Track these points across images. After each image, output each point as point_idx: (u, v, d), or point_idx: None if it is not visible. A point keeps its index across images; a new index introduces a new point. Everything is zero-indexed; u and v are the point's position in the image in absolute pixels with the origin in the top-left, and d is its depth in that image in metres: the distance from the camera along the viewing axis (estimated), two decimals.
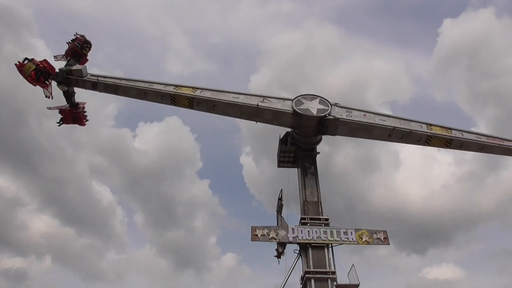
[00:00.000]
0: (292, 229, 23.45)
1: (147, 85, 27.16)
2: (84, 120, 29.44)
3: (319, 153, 27.65)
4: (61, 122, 28.85)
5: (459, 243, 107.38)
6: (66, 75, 27.34)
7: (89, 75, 27.70)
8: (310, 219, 24.20)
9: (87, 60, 28.90)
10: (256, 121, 26.73)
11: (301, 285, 22.99)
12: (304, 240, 23.06)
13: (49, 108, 28.29)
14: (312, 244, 23.01)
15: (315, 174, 26.53)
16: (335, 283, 22.12)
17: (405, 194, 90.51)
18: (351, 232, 23.58)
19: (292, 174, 28.09)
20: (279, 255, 23.27)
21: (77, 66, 27.54)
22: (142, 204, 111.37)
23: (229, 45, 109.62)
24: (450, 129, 25.95)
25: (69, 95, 28.14)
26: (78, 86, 28.05)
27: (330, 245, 23.25)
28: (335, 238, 23.26)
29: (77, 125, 29.73)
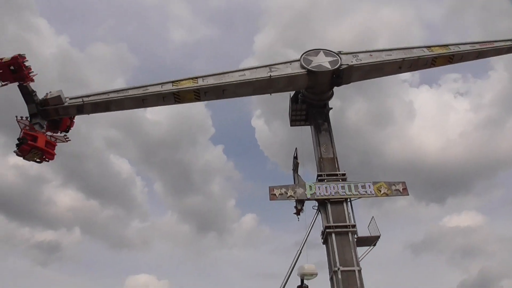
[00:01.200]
0: (310, 186, 23.53)
1: (141, 90, 23.20)
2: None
3: (331, 108, 27.29)
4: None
5: (479, 191, 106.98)
6: (42, 107, 21.79)
7: (68, 99, 22.45)
8: (327, 175, 24.20)
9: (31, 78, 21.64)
10: (270, 93, 25.71)
11: (322, 240, 23.32)
12: (322, 196, 23.16)
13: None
14: (331, 200, 23.12)
15: (328, 130, 26.30)
16: (355, 236, 22.35)
17: (421, 144, 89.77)
18: (369, 185, 23.57)
19: (306, 132, 27.94)
20: (298, 212, 23.50)
21: (51, 93, 21.98)
22: (160, 174, 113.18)
23: (230, 7, 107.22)
24: (447, 45, 26.74)
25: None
26: (58, 115, 22.47)
27: (348, 200, 23.34)
28: (353, 192, 23.30)
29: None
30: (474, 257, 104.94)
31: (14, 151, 20.34)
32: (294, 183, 24.06)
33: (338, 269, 20.89)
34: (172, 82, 23.74)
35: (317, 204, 23.66)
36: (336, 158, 25.27)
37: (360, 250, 22.37)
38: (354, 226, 22.50)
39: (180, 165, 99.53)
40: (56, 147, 22.12)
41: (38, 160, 21.08)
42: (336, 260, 21.19)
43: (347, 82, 25.82)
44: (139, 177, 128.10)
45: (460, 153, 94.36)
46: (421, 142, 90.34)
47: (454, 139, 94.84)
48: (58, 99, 21.99)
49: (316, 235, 23.97)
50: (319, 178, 24.28)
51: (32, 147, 20.38)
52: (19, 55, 20.40)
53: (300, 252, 22.19)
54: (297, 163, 24.47)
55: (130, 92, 23.19)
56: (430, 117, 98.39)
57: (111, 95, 23.05)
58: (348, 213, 22.92)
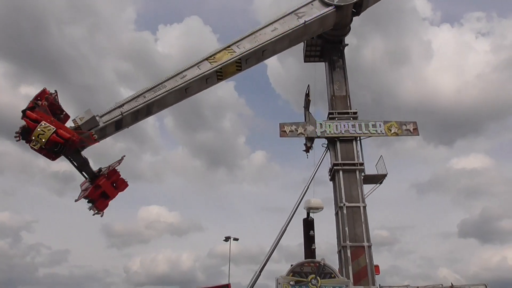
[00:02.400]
0: (320, 124, 23.57)
1: (179, 80, 20.00)
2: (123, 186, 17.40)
3: (347, 45, 26.51)
4: (96, 211, 16.79)
5: (489, 133, 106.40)
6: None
7: (99, 117, 17.96)
8: (338, 113, 24.14)
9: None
10: (304, 40, 24.50)
11: (329, 177, 23.82)
12: (332, 134, 23.28)
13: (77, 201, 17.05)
14: (340, 138, 23.27)
15: (343, 67, 25.79)
16: (363, 174, 22.76)
17: (436, 86, 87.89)
18: (379, 125, 23.53)
19: (319, 69, 27.44)
20: (307, 149, 23.80)
21: (82, 117, 16.99)
22: (170, 108, 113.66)
23: None
24: None
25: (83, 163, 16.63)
26: (95, 141, 17.67)
27: (358, 138, 23.46)
28: (364, 131, 23.34)
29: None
30: (477, 198, 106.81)
31: (94, 211, 16.22)
32: (305, 120, 24.09)
33: (344, 205, 21.55)
34: (207, 59, 20.80)
35: (326, 142, 23.88)
36: (349, 96, 25.03)
37: (367, 188, 22.96)
38: (362, 164, 22.83)
39: (191, 100, 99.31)
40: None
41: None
42: (342, 196, 21.81)
43: (366, 7, 24.69)
44: None
45: (475, 95, 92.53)
46: (436, 83, 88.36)
47: (470, 81, 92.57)
48: (93, 121, 17.33)
49: (324, 172, 24.47)
50: (330, 116, 24.25)
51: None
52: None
53: (308, 187, 22.77)
54: (309, 100, 24.33)
55: (168, 86, 19.74)
56: (448, 58, 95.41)
57: (148, 95, 19.35)
58: (357, 151, 23.16)
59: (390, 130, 23.47)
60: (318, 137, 23.49)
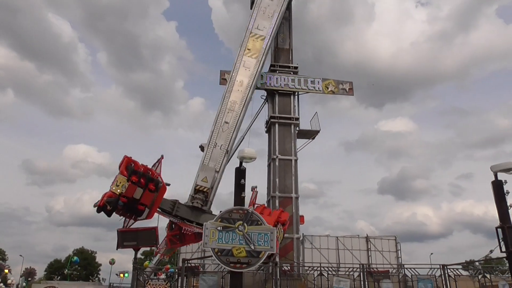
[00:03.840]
0: (261, 75, 23.47)
1: None
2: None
3: None
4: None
5: (416, 100, 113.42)
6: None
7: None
8: (280, 66, 24.14)
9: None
10: None
11: (265, 129, 24.17)
12: (272, 86, 23.36)
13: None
14: (279, 91, 23.45)
15: (289, 20, 25.47)
16: (297, 129, 23.35)
17: (374, 49, 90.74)
18: (318, 82, 23.99)
19: None
20: None
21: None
22: (105, 43, 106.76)
23: None
24: None
25: None
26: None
27: (296, 93, 23.80)
28: (302, 86, 23.68)
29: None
30: (398, 159, 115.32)
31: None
32: None
33: (277, 157, 22.15)
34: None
35: (265, 94, 23.97)
36: (292, 50, 25.01)
37: (300, 142, 23.71)
38: (297, 119, 23.36)
39: (128, 36, 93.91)
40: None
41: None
42: (276, 149, 22.35)
43: None
44: (83, 44, 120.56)
45: (408, 62, 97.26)
46: (375, 47, 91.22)
47: (405, 48, 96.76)
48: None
49: (260, 124, 24.76)
50: (271, 68, 24.18)
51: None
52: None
53: (243, 138, 23.01)
54: None
55: None
56: (388, 23, 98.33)
57: None
58: (294, 106, 23.58)
59: (327, 88, 24.04)
60: (258, 88, 23.40)
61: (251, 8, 27.35)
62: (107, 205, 12.30)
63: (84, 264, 56.84)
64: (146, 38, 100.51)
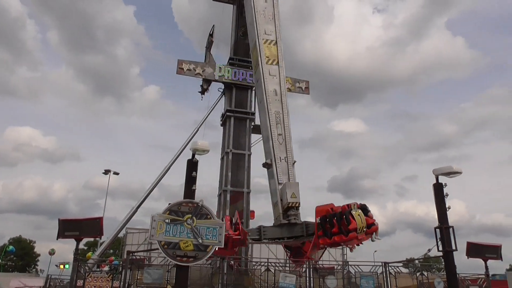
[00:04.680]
0: (220, 67, 23.26)
1: None
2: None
3: None
4: None
5: (368, 102, 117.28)
6: None
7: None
8: (239, 60, 23.99)
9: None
10: None
11: (221, 122, 23.97)
12: (229, 80, 23.19)
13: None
14: (237, 85, 23.33)
15: (251, 13, 25.32)
16: (253, 123, 23.35)
17: (331, 50, 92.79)
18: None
19: (227, 12, 26.56)
20: (203, 91, 23.46)
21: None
22: (57, 21, 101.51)
23: None
24: None
25: None
26: None
27: (254, 88, 23.74)
28: None
29: None
30: (348, 159, 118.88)
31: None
32: (205, 61, 23.50)
33: (230, 150, 22.04)
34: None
35: (223, 87, 23.75)
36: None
37: (254, 137, 23.70)
38: (253, 114, 23.35)
39: (82, 16, 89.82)
40: None
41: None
42: (230, 142, 22.23)
43: None
44: (32, 21, 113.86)
45: (363, 66, 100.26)
46: (332, 48, 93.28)
47: (360, 52, 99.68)
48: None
49: (216, 117, 24.53)
50: (230, 61, 23.99)
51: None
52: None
53: (198, 129, 22.76)
54: (212, 41, 23.67)
55: None
56: (345, 27, 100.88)
57: None
58: (251, 101, 23.55)
59: None
60: (216, 80, 23.22)
61: None
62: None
63: (21, 254, 53.85)
64: (102, 20, 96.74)
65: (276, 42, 18.15)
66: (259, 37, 17.80)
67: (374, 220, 13.28)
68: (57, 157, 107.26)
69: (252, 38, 18.47)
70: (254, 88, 23.71)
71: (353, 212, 12.79)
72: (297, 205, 14.52)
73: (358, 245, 13.30)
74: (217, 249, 10.86)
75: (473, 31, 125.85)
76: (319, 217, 13.18)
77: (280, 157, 15.43)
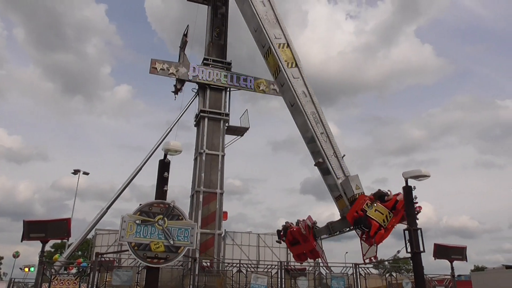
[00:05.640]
0: (194, 68, 23.06)
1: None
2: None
3: None
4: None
5: (341, 106, 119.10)
6: None
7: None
8: (213, 61, 23.87)
9: None
10: None
11: (194, 123, 23.77)
12: (204, 80, 23.04)
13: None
14: (211, 86, 23.20)
15: (225, 15, 25.33)
16: (227, 124, 23.28)
17: (305, 54, 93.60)
18: (250, 80, 24.12)
19: (201, 13, 26.40)
20: (176, 91, 23.17)
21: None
22: (24, 18, 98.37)
23: None
24: None
25: None
26: None
27: (228, 89, 23.72)
28: (235, 83, 23.67)
29: None
30: None
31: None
32: (179, 61, 23.26)
33: (204, 151, 21.88)
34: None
35: (197, 87, 23.57)
36: (226, 45, 24.88)
37: (228, 138, 23.66)
38: (227, 115, 23.28)
39: (51, 14, 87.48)
40: None
41: None
42: (204, 143, 22.07)
43: None
44: None
45: (335, 70, 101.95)
46: (306, 52, 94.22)
47: (333, 57, 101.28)
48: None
49: (189, 117, 24.33)
50: (204, 62, 23.83)
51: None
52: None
53: (170, 130, 22.44)
54: (186, 41, 23.44)
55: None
56: (319, 31, 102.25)
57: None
58: (225, 102, 23.47)
59: (259, 87, 24.25)
60: (190, 80, 23.02)
61: None
62: None
63: None
64: (71, 18, 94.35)
65: (288, 44, 18.14)
66: (273, 43, 17.78)
67: (395, 197, 13.68)
68: (23, 157, 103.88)
69: (262, 44, 18.36)
70: (228, 89, 23.70)
71: (369, 213, 13.16)
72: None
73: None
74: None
75: (441, 39, 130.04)
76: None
77: (329, 154, 16.12)
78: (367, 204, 13.35)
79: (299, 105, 16.62)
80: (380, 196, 13.72)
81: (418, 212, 12.83)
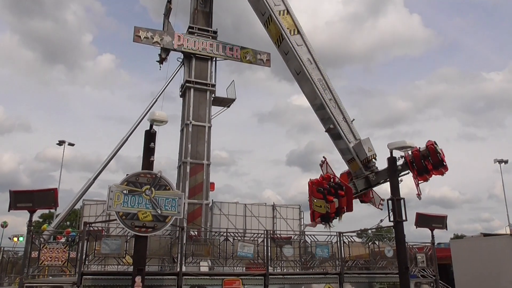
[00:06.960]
0: (179, 36, 22.62)
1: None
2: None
3: None
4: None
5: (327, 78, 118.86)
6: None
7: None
8: (198, 29, 23.40)
9: None
10: None
11: (180, 93, 23.53)
12: (189, 49, 22.66)
13: None
14: (197, 55, 22.84)
15: None
16: (213, 95, 23.11)
17: None
18: (236, 49, 23.80)
19: None
20: (161, 61, 22.76)
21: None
22: None
23: None
24: None
25: None
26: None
27: (214, 59, 23.39)
28: (221, 52, 23.33)
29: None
30: (307, 133, 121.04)
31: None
32: (163, 29, 22.76)
33: (190, 122, 21.78)
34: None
35: (182, 57, 23.19)
36: (212, 13, 24.35)
37: (214, 109, 23.52)
38: (214, 85, 23.06)
39: None
40: None
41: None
42: (190, 114, 21.94)
43: None
44: None
45: (321, 40, 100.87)
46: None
47: (320, 26, 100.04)
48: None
49: (175, 88, 24.01)
50: (189, 30, 23.36)
51: None
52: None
53: (156, 100, 22.20)
54: (170, 8, 22.87)
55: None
56: (306, 0, 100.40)
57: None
58: (211, 72, 23.19)
59: (245, 57, 23.98)
60: (175, 50, 22.60)
61: None
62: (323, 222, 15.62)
63: None
64: None
65: (288, 11, 18.00)
66: (273, 10, 17.45)
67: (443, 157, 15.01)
68: (5, 128, 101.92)
69: (262, 12, 18.15)
70: (214, 59, 23.36)
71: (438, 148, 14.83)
72: (375, 156, 16.35)
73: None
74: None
75: (430, 9, 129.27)
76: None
77: (339, 119, 16.55)
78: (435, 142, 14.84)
79: (305, 73, 16.66)
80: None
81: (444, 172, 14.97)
